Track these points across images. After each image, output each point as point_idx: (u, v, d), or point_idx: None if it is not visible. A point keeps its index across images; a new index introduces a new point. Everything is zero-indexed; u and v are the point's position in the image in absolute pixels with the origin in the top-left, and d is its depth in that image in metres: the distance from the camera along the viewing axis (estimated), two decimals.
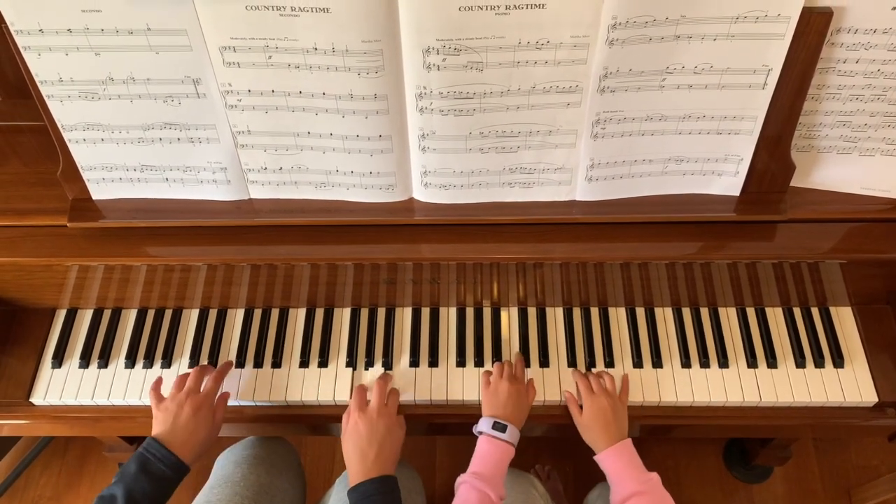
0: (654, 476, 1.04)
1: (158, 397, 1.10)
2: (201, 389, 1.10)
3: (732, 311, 1.26)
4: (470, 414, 1.18)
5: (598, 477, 1.26)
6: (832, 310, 1.25)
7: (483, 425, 1.08)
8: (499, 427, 1.07)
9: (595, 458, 1.09)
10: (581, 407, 1.14)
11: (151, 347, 1.24)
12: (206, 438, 1.07)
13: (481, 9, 0.87)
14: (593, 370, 1.20)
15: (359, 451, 1.03)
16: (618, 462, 1.06)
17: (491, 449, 1.06)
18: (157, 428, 1.05)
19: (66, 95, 0.98)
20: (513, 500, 1.20)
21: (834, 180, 1.12)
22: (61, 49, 0.93)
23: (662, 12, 0.89)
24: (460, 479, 1.04)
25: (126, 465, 1.00)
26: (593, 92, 0.97)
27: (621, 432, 1.10)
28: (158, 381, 1.15)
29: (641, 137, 1.03)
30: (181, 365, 1.22)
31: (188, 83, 0.97)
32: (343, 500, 1.16)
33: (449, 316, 1.26)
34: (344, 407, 1.15)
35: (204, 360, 1.23)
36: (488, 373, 1.17)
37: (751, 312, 1.25)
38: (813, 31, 0.92)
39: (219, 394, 1.13)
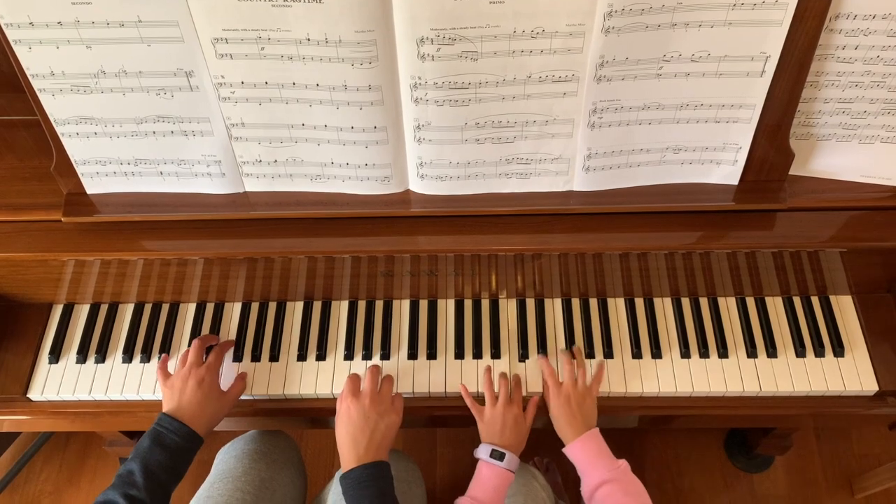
0: (623, 463, 1.05)
1: (165, 374, 1.11)
2: (204, 362, 1.11)
3: (732, 301, 1.25)
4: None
5: None
6: (832, 298, 1.24)
7: (481, 452, 1.08)
8: (496, 455, 1.06)
9: (564, 450, 1.09)
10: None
11: (149, 342, 1.23)
12: (215, 412, 1.08)
13: None
14: (573, 351, 1.20)
15: (351, 437, 1.03)
16: (585, 453, 1.06)
17: (489, 475, 1.06)
18: (166, 404, 1.07)
19: (57, 89, 0.98)
20: (515, 491, 1.20)
21: (833, 168, 1.12)
22: (52, 42, 0.92)
23: (659, 0, 0.88)
24: (459, 500, 1.05)
25: (139, 441, 1.01)
26: (590, 81, 0.96)
27: (588, 423, 1.10)
28: (165, 360, 1.16)
29: (639, 126, 1.03)
30: (179, 359, 1.22)
31: (181, 76, 0.96)
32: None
33: (447, 308, 1.26)
34: None
35: (214, 335, 1.24)
36: (478, 400, 1.16)
37: (750, 302, 1.25)
38: (811, 17, 0.91)
39: (224, 383, 1.15)
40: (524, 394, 1.17)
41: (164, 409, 1.06)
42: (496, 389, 1.15)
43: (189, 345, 1.22)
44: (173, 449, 1.00)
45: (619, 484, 1.02)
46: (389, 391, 1.10)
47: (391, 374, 1.14)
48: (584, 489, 1.05)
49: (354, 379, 1.09)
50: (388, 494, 1.00)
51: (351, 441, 1.02)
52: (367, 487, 0.98)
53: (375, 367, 1.12)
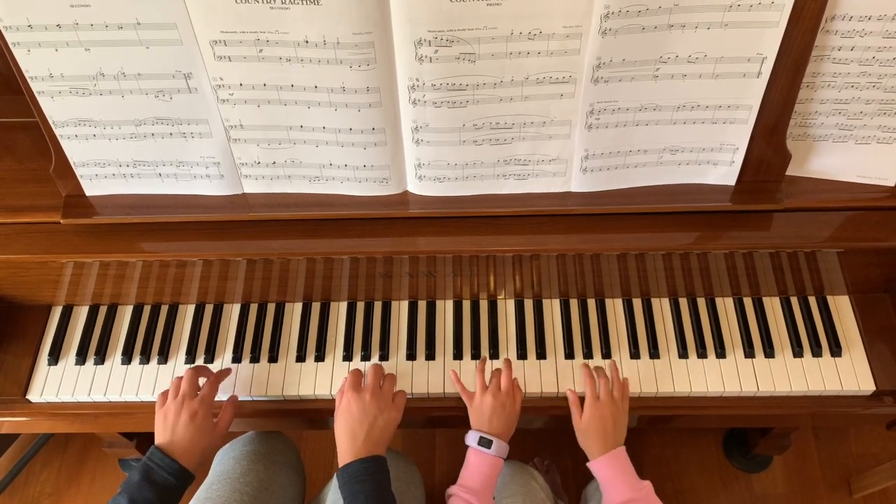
0: (647, 484, 1.04)
1: (163, 401, 1.09)
2: (198, 394, 1.09)
3: (730, 302, 1.25)
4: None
5: None
6: (829, 299, 1.25)
7: (470, 439, 1.09)
8: (484, 442, 1.07)
9: (588, 465, 1.09)
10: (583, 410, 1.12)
11: (148, 343, 1.23)
12: (207, 445, 1.07)
13: None
14: (605, 364, 1.19)
15: (349, 430, 1.03)
16: (610, 469, 1.06)
17: (479, 462, 1.06)
18: (158, 437, 1.06)
19: (56, 91, 0.98)
20: (513, 491, 1.20)
21: (830, 169, 1.12)
22: (51, 45, 0.92)
23: (655, 1, 0.88)
24: (450, 490, 1.05)
25: (130, 475, 1.00)
26: (587, 82, 0.96)
27: (617, 440, 1.09)
28: (165, 394, 1.12)
29: (636, 128, 1.03)
30: (178, 361, 1.22)
31: (179, 78, 0.96)
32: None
33: (445, 309, 1.26)
34: None
35: (200, 356, 1.23)
36: (469, 386, 1.16)
37: (748, 302, 1.25)
38: (807, 19, 0.91)
39: (219, 396, 1.14)
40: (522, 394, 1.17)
41: (157, 441, 1.05)
42: (488, 379, 1.15)
43: (187, 348, 1.23)
44: (163, 486, 0.99)
45: None
46: (391, 388, 1.10)
47: (394, 373, 1.15)
48: None
49: (356, 374, 1.10)
50: (385, 489, 1.00)
51: (349, 435, 1.03)
52: (364, 482, 0.99)
53: (378, 364, 1.12)
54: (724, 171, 1.09)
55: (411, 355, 1.21)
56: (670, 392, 1.18)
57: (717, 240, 1.10)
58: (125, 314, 1.27)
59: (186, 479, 1.03)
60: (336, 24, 0.89)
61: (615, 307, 1.26)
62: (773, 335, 1.21)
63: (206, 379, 1.14)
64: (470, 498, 1.02)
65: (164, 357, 1.22)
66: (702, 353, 1.20)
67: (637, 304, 1.26)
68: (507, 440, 1.09)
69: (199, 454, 1.05)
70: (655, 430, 1.88)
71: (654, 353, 1.20)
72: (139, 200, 1.11)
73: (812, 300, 1.25)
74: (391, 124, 1.01)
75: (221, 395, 1.15)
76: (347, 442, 1.02)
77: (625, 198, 1.10)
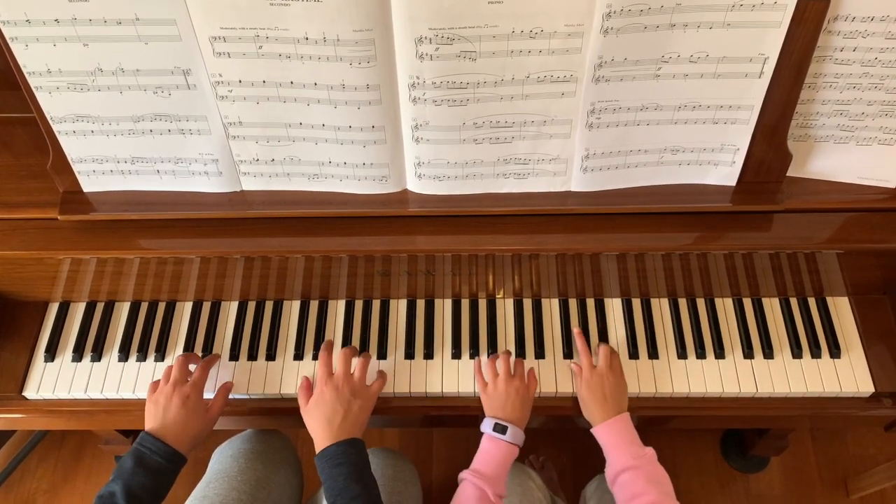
0: (649, 451, 1.05)
1: (153, 390, 1.10)
2: (189, 379, 1.10)
3: (729, 302, 1.25)
4: (466, 406, 1.18)
5: (595, 469, 1.26)
6: (829, 300, 1.24)
7: (485, 426, 1.08)
8: (499, 428, 1.07)
9: (591, 430, 1.10)
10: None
11: (145, 341, 1.23)
12: (199, 430, 1.07)
13: None
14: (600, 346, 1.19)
15: (325, 418, 1.03)
16: (612, 436, 1.07)
17: (492, 448, 1.06)
18: (149, 422, 1.06)
19: (54, 87, 0.97)
20: (510, 491, 1.20)
21: (831, 170, 1.12)
22: (49, 40, 0.92)
23: (657, 0, 0.88)
24: (462, 474, 1.05)
25: (122, 461, 1.00)
26: (588, 81, 0.96)
27: (619, 407, 1.10)
28: (157, 383, 1.13)
29: (637, 127, 1.03)
30: (175, 358, 1.21)
31: (178, 74, 0.96)
32: None
33: (444, 308, 1.26)
34: None
35: (198, 353, 1.22)
36: (484, 371, 1.16)
37: (747, 303, 1.25)
38: (810, 20, 0.91)
39: (217, 383, 1.14)
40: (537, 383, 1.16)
41: (147, 427, 1.05)
42: (498, 366, 1.15)
43: (184, 345, 1.23)
44: (156, 470, 0.99)
45: (642, 471, 1.02)
46: (363, 374, 1.10)
47: (368, 358, 1.13)
48: (608, 473, 1.06)
49: (327, 363, 1.09)
50: (363, 470, 1.00)
51: (325, 422, 1.02)
52: (341, 464, 0.98)
53: (347, 350, 1.12)
54: (725, 172, 1.08)
55: (410, 354, 1.21)
56: (669, 392, 1.18)
57: (716, 240, 1.09)
58: (122, 311, 1.26)
59: (179, 461, 1.03)
60: (336, 21, 0.88)
61: (614, 307, 1.25)
62: (772, 336, 1.21)
63: (196, 365, 1.14)
64: (481, 484, 1.01)
65: (161, 354, 1.22)
66: (700, 354, 1.20)
67: (636, 304, 1.25)
68: (522, 427, 1.09)
69: (190, 438, 1.05)
70: (653, 431, 1.88)
71: (653, 354, 1.20)
72: (137, 197, 1.11)
73: (811, 301, 1.24)
74: (391, 122, 1.00)
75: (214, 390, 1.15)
76: (324, 429, 1.02)
77: (625, 198, 1.09)
